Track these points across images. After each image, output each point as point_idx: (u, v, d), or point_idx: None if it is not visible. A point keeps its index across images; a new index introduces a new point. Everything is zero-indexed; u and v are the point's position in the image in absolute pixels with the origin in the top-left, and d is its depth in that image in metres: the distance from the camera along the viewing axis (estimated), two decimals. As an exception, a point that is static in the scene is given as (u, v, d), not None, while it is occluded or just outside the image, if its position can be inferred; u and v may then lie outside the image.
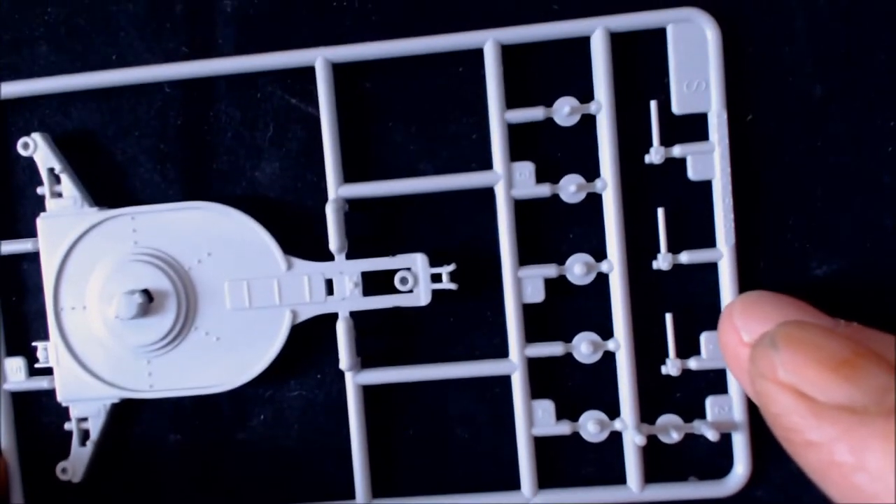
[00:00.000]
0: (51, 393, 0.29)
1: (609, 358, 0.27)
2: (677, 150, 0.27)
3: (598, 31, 0.26)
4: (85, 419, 0.29)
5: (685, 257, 0.27)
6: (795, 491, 0.27)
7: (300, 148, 0.28)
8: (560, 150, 0.27)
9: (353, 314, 0.28)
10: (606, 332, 0.27)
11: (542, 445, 0.28)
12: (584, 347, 0.27)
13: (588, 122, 0.27)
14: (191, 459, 0.29)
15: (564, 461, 0.28)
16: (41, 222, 0.28)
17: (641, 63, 0.27)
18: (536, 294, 0.27)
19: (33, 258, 0.28)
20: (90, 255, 0.28)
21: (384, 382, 0.28)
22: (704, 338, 0.27)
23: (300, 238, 0.28)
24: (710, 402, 0.27)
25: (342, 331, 0.27)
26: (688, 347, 0.27)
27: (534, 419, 0.28)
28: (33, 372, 0.29)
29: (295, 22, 0.28)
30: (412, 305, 0.27)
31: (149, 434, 0.29)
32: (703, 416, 0.27)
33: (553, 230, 0.28)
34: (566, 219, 0.28)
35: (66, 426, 0.29)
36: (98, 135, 0.28)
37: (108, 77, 0.28)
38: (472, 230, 0.28)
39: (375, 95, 0.28)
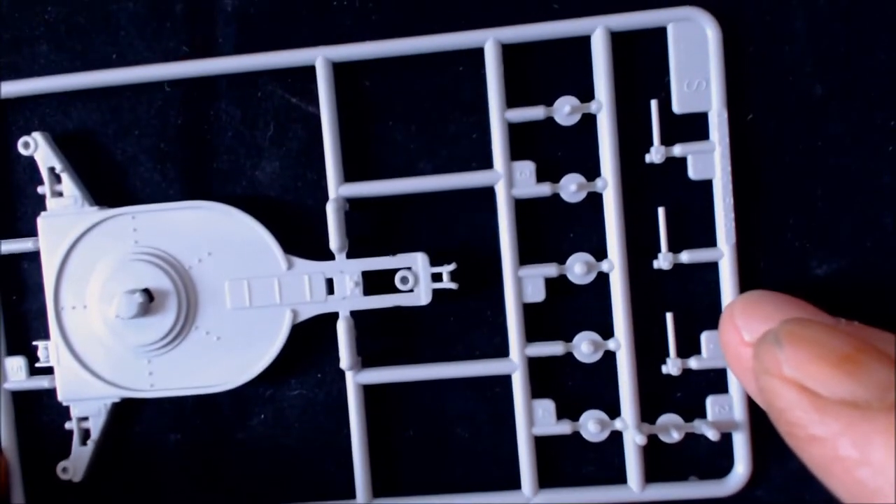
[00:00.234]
0: (51, 392, 0.29)
1: (609, 357, 0.27)
2: (678, 150, 0.27)
3: (598, 31, 0.26)
4: (86, 418, 0.29)
5: (686, 257, 0.27)
6: (796, 490, 0.27)
7: (300, 147, 0.28)
8: (560, 150, 0.27)
9: (354, 313, 0.28)
10: (607, 332, 0.27)
11: (543, 445, 0.28)
12: (585, 347, 0.27)
13: (588, 121, 0.27)
14: (191, 459, 0.29)
15: (565, 461, 0.28)
16: (42, 221, 0.28)
17: (642, 62, 0.27)
18: (537, 293, 0.27)
19: (34, 257, 0.28)
20: (91, 254, 0.28)
21: (384, 382, 0.28)
22: (705, 337, 0.27)
23: (301, 237, 0.28)
24: (711, 402, 0.27)
25: (343, 330, 0.27)
26: (688, 347, 0.27)
27: (534, 419, 0.28)
28: (34, 371, 0.29)
29: (295, 21, 0.28)
30: (413, 305, 0.27)
31: (149, 433, 0.29)
32: (703, 415, 0.27)
33: (553, 229, 0.28)
34: (567, 218, 0.28)
35: (67, 425, 0.29)
36: (98, 134, 0.28)
37: (108, 76, 0.28)
38: (472, 230, 0.28)
39: (375, 95, 0.28)
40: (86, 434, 0.29)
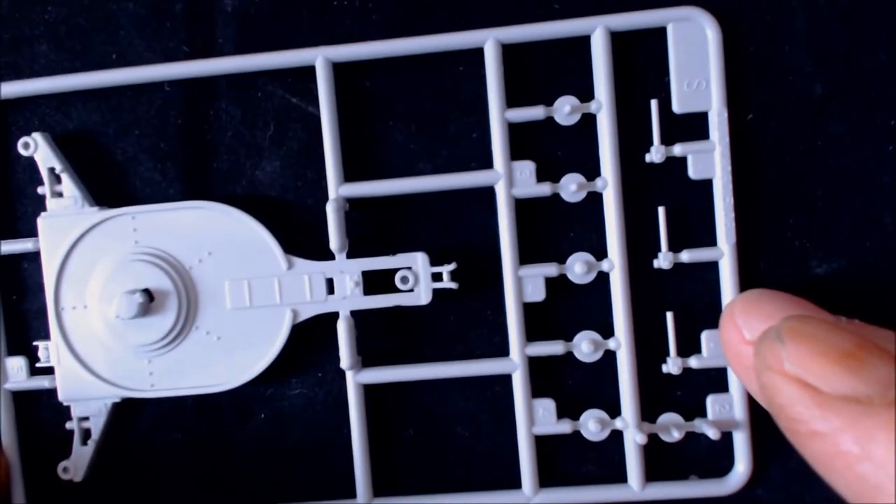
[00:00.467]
0: (52, 392, 0.29)
1: (610, 357, 0.27)
2: (678, 149, 0.27)
3: (598, 31, 0.26)
4: (86, 418, 0.29)
5: (686, 256, 0.27)
6: (796, 489, 0.28)
7: (301, 147, 0.28)
8: (560, 150, 0.27)
9: (354, 313, 0.28)
10: (607, 331, 0.27)
11: (543, 444, 0.28)
12: (585, 346, 0.27)
13: (588, 121, 0.27)
14: (192, 459, 0.29)
15: (565, 460, 0.28)
16: (42, 222, 0.28)
17: (642, 62, 0.27)
18: (537, 293, 0.27)
19: (34, 258, 0.28)
20: (91, 254, 0.28)
21: (385, 381, 0.28)
22: (705, 336, 0.27)
23: (301, 237, 0.28)
24: (711, 401, 0.27)
25: (343, 330, 0.27)
26: (689, 346, 0.27)
27: (535, 418, 0.28)
28: (34, 371, 0.29)
29: (295, 21, 0.28)
30: (413, 304, 0.27)
31: (150, 433, 0.29)
32: (704, 414, 0.27)
33: (554, 229, 0.28)
34: (567, 218, 0.28)
35: (68, 425, 0.29)
36: (98, 134, 0.28)
37: (109, 76, 0.28)
38: (472, 229, 0.28)
39: (375, 95, 0.28)
40: (86, 434, 0.29)
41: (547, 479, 0.28)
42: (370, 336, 0.28)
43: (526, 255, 0.27)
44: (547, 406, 0.28)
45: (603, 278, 0.27)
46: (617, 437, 0.28)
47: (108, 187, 0.29)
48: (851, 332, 0.20)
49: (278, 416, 0.29)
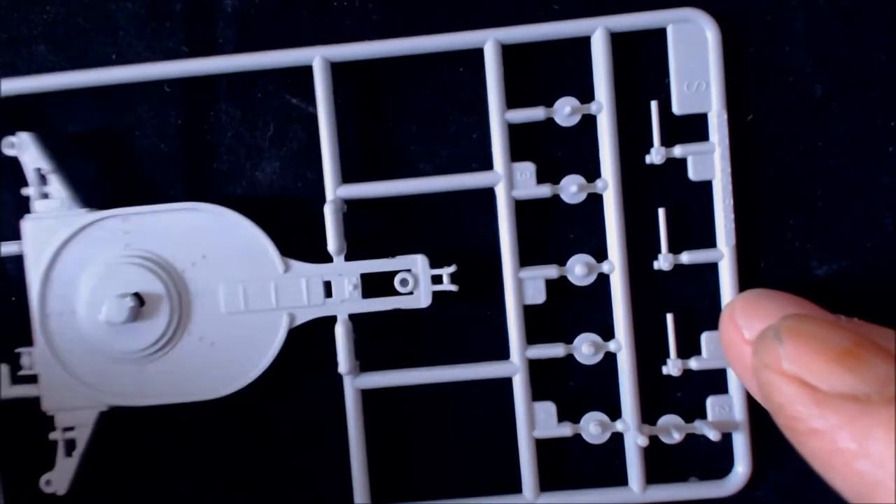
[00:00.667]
0: (35, 401, 0.27)
1: (610, 359, 0.27)
2: (678, 151, 0.27)
3: (598, 32, 0.26)
4: (71, 429, 0.27)
5: (686, 257, 0.27)
6: (796, 490, 0.28)
7: (299, 148, 0.28)
8: (561, 151, 0.27)
9: (352, 317, 0.27)
10: (607, 333, 0.27)
11: (544, 447, 0.28)
12: (586, 348, 0.27)
13: (589, 122, 0.27)
14: (183, 469, 0.28)
15: (566, 463, 0.28)
16: (26, 224, 0.27)
17: (642, 63, 0.27)
18: (537, 295, 0.27)
19: (17, 261, 0.27)
20: (79, 257, 0.27)
21: (384, 386, 0.27)
22: (705, 338, 0.27)
23: (298, 239, 0.27)
24: (711, 402, 0.27)
25: (341, 334, 0.27)
26: (689, 348, 0.27)
27: (535, 421, 0.27)
28: (16, 380, 0.28)
29: (295, 21, 0.27)
30: (412, 307, 0.27)
31: (138, 444, 0.28)
32: (704, 416, 0.27)
33: (554, 231, 0.28)
34: (567, 219, 0.28)
35: (51, 436, 0.28)
36: (97, 134, 0.28)
37: (107, 75, 0.27)
38: (472, 231, 0.28)
39: (375, 95, 0.27)
40: (71, 445, 0.28)
41: (548, 482, 0.28)
42: (369, 340, 0.28)
43: (526, 257, 0.27)
44: (547, 409, 0.27)
45: (603, 280, 0.27)
46: (617, 439, 0.27)
47: (107, 188, 0.28)
48: (850, 330, 0.21)
49: (274, 422, 0.28)
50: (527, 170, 0.27)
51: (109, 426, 0.28)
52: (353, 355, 0.27)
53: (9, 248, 0.27)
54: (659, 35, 0.27)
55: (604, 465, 0.28)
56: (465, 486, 0.28)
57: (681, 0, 0.26)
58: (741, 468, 0.27)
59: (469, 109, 0.27)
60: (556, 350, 0.27)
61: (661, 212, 0.27)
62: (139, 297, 0.27)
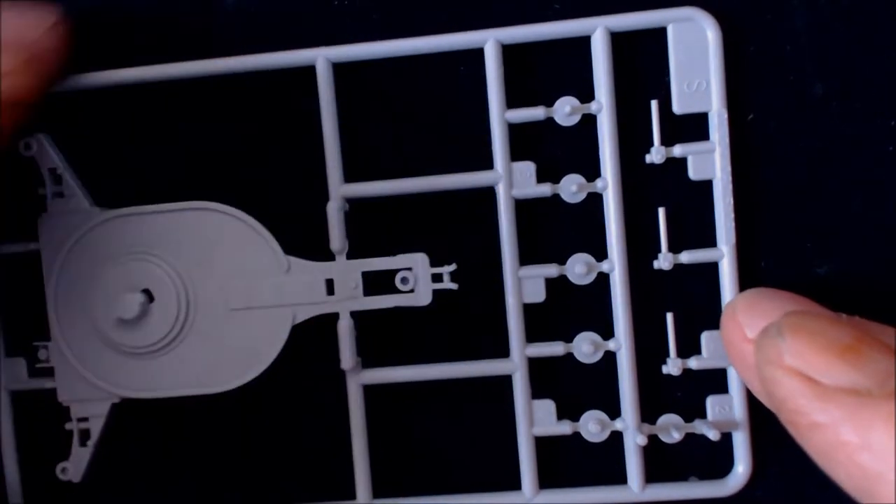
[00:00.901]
0: (51, 393, 0.28)
1: (610, 357, 0.27)
2: (678, 150, 0.27)
3: (598, 31, 0.26)
4: (85, 419, 0.28)
5: (686, 257, 0.27)
6: (796, 490, 0.28)
7: (301, 148, 0.28)
8: (561, 150, 0.27)
9: (354, 314, 0.27)
10: (607, 332, 0.27)
11: (543, 445, 0.28)
12: (585, 347, 0.27)
13: (589, 121, 0.27)
14: (191, 460, 0.29)
15: (565, 461, 0.28)
16: (42, 223, 0.28)
17: (642, 63, 0.27)
18: (537, 294, 0.27)
19: (34, 258, 0.28)
20: (91, 255, 0.28)
21: (385, 382, 0.28)
22: (705, 337, 0.27)
23: (300, 238, 0.28)
24: (711, 402, 0.27)
25: (343, 331, 0.27)
26: (688, 347, 0.27)
27: (534, 419, 0.28)
28: (33, 372, 0.29)
29: (295, 21, 0.28)
30: (413, 305, 0.27)
31: (149, 434, 0.29)
32: (703, 415, 0.27)
33: (554, 230, 0.28)
34: (567, 218, 0.28)
35: (67, 426, 0.28)
36: (99, 134, 0.28)
37: (109, 76, 0.28)
38: (472, 230, 0.28)
39: (375, 95, 0.28)
40: (85, 435, 0.28)
41: (547, 480, 0.28)
42: (370, 337, 0.28)
43: (526, 256, 0.27)
44: (547, 407, 0.28)
45: (603, 279, 0.27)
46: (617, 438, 0.28)
47: (108, 188, 0.28)
48: (851, 325, 0.21)
49: (278, 417, 0.29)
50: (527, 169, 0.27)
51: (122, 417, 0.29)
52: (355, 352, 0.27)
53: (25, 245, 0.28)
54: (659, 34, 0.27)
55: (603, 463, 0.28)
56: (464, 483, 0.28)
57: (681, 0, 0.26)
58: (741, 468, 0.27)
59: (469, 109, 0.27)
60: (555, 348, 0.27)
61: (661, 211, 0.27)
62: (149, 294, 0.28)
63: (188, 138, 0.28)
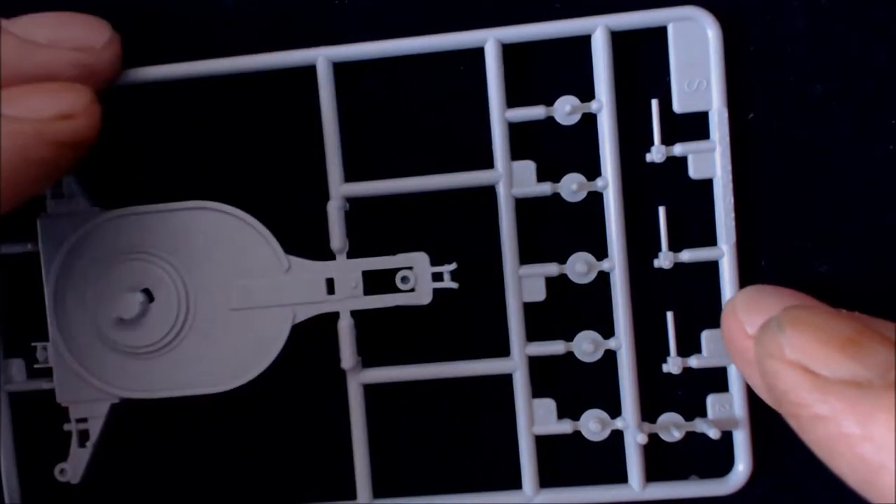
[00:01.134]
0: (49, 393, 0.28)
1: (610, 356, 0.27)
2: (678, 149, 0.27)
3: (598, 30, 0.26)
4: (84, 420, 0.28)
5: (686, 256, 0.27)
6: (796, 488, 0.28)
7: (301, 147, 0.28)
8: (561, 149, 0.27)
9: (354, 313, 0.27)
10: (607, 331, 0.27)
11: (544, 444, 0.28)
12: (585, 346, 0.27)
13: (589, 120, 0.27)
14: (191, 460, 0.29)
15: (566, 460, 0.28)
16: (41, 223, 0.28)
17: (642, 62, 0.27)
18: (537, 293, 0.27)
19: (34, 258, 0.28)
20: (91, 255, 0.28)
21: (385, 381, 0.28)
22: (705, 336, 0.27)
23: (301, 237, 0.28)
24: (711, 400, 0.27)
25: (343, 330, 0.27)
26: (689, 345, 0.27)
27: (535, 418, 0.28)
28: (32, 373, 0.29)
29: (296, 21, 0.28)
30: (413, 304, 0.27)
31: (148, 435, 0.29)
32: (704, 414, 0.27)
33: (554, 229, 0.28)
34: (567, 217, 0.28)
35: (66, 427, 0.28)
36: (99, 135, 0.28)
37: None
38: (473, 229, 0.28)
39: (376, 94, 0.28)
40: (84, 435, 0.28)
41: (547, 479, 0.28)
42: (370, 336, 0.28)
43: (526, 255, 0.27)
44: (547, 406, 0.28)
45: (603, 278, 0.27)
46: (617, 436, 0.28)
47: (108, 188, 0.28)
48: (851, 318, 0.21)
49: (278, 416, 0.29)
50: (527, 168, 0.27)
51: (121, 418, 0.29)
52: (356, 351, 0.27)
53: (24, 246, 0.28)
54: (659, 33, 0.27)
55: (603, 462, 0.28)
56: (465, 482, 0.28)
57: (681, -1, 0.26)
58: (741, 466, 0.27)
59: (469, 109, 0.27)
60: (556, 347, 0.27)
61: (662, 210, 0.27)
62: (148, 294, 0.27)
63: (188, 138, 0.28)
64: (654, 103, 0.27)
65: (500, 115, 0.27)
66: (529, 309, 0.27)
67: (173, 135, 0.28)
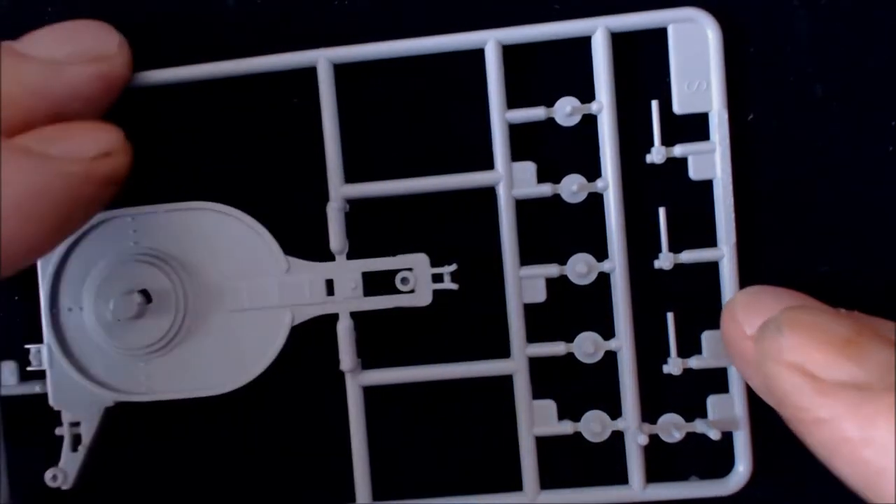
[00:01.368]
0: (41, 397, 0.28)
1: (610, 357, 0.27)
2: (678, 150, 0.27)
3: (599, 32, 0.26)
4: (77, 423, 0.28)
5: (686, 257, 0.27)
6: (796, 489, 0.28)
7: (301, 148, 0.28)
8: (561, 150, 0.27)
9: (354, 315, 0.27)
10: (608, 332, 0.27)
11: (544, 445, 0.28)
12: (586, 347, 0.27)
13: (589, 121, 0.27)
14: (187, 464, 0.29)
15: (566, 461, 0.28)
16: (37, 223, 0.27)
17: (642, 63, 0.27)
18: (538, 294, 0.27)
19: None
20: (88, 255, 0.27)
21: (385, 383, 0.28)
22: (705, 337, 0.27)
23: (300, 238, 0.27)
24: (712, 401, 0.27)
25: (343, 331, 0.27)
26: (689, 347, 0.27)
27: (535, 419, 0.27)
28: (25, 376, 0.28)
29: (296, 22, 0.27)
30: (413, 306, 0.27)
31: (144, 438, 0.29)
32: (704, 414, 0.27)
33: (554, 230, 0.28)
34: (567, 218, 0.28)
35: (58, 431, 0.28)
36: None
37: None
38: (473, 230, 0.28)
39: (376, 95, 0.28)
40: (77, 440, 0.28)
41: (548, 480, 0.28)
42: (370, 338, 0.28)
43: (526, 256, 0.27)
44: (548, 407, 0.27)
45: (604, 279, 0.27)
46: (618, 437, 0.27)
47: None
48: (850, 319, 0.21)
49: (277, 419, 0.28)
50: (527, 169, 0.27)
51: (115, 422, 0.28)
52: (355, 353, 0.27)
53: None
54: (659, 34, 0.27)
55: (604, 463, 0.28)
56: (465, 484, 0.28)
57: (681, 0, 0.26)
58: (742, 467, 0.27)
59: (469, 110, 0.27)
60: (556, 348, 0.27)
61: (662, 211, 0.27)
62: (146, 294, 0.27)
63: (188, 139, 0.28)
64: (655, 104, 0.27)
65: (500, 116, 0.27)
66: (530, 310, 0.27)
67: (173, 136, 0.28)
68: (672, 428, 0.27)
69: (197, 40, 0.28)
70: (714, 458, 0.28)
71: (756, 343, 0.22)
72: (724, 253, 0.27)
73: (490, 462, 0.28)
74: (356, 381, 0.27)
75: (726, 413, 0.27)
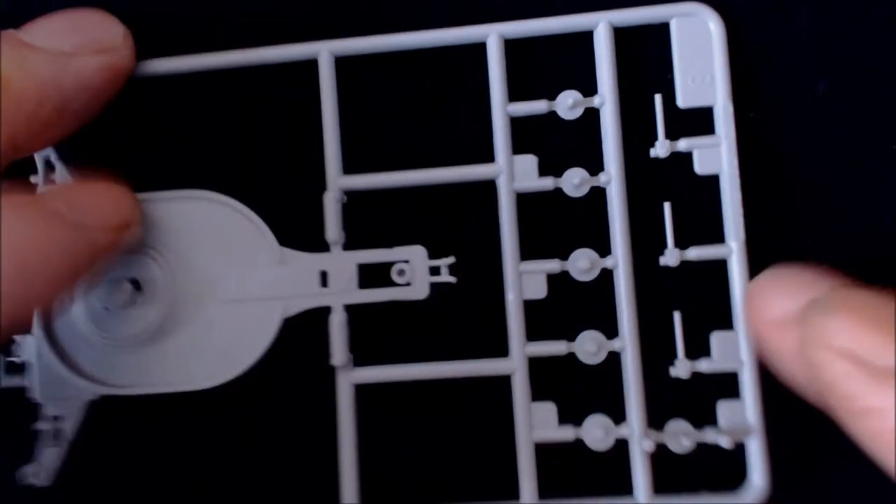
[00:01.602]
0: (19, 391, 0.27)
1: (614, 358, 0.26)
2: (683, 144, 0.26)
3: (601, 26, 0.26)
4: (58, 418, 0.27)
5: (693, 253, 0.26)
6: (814, 501, 0.26)
7: (299, 139, 0.28)
8: (563, 144, 0.27)
9: (349, 309, 0.26)
10: (611, 331, 0.26)
11: (543, 452, 0.26)
12: (588, 347, 0.26)
13: (592, 115, 0.27)
14: (170, 459, 0.28)
15: (567, 469, 0.26)
16: (31, 210, 0.27)
17: (645, 56, 0.27)
18: (538, 290, 0.26)
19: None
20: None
21: (377, 381, 0.27)
22: (715, 338, 0.26)
23: (295, 229, 0.27)
24: (722, 407, 0.26)
25: (335, 324, 0.26)
26: (697, 348, 0.26)
27: (534, 423, 0.26)
28: (9, 368, 0.27)
29: (297, 15, 0.28)
30: (409, 299, 0.26)
31: (128, 433, 0.28)
32: (714, 420, 0.26)
33: (556, 224, 0.27)
34: (569, 213, 0.27)
35: (38, 426, 0.27)
36: (96, 127, 0.28)
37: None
38: (472, 224, 0.27)
39: (377, 88, 0.28)
40: (57, 435, 0.27)
41: (547, 489, 0.26)
42: (363, 334, 0.27)
43: (527, 251, 0.26)
44: (548, 410, 0.26)
45: (607, 276, 0.26)
46: (622, 445, 0.26)
47: (102, 177, 0.28)
48: None
49: (265, 415, 0.27)
50: (529, 162, 0.27)
51: (99, 414, 0.27)
52: (348, 347, 0.26)
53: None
54: (662, 28, 0.27)
55: (608, 472, 0.26)
56: (459, 491, 0.27)
57: (683, -5, 0.26)
58: (756, 478, 0.25)
59: (471, 103, 0.27)
60: (557, 347, 0.26)
61: (667, 206, 0.26)
62: (136, 283, 0.27)
63: (187, 129, 0.28)
64: (658, 98, 0.26)
65: (501, 110, 0.27)
66: (530, 307, 0.26)
67: (170, 126, 0.28)
68: (680, 435, 0.25)
69: (198, 31, 0.28)
70: (726, 467, 0.26)
71: (801, 327, 0.21)
72: (733, 249, 0.26)
73: (486, 468, 0.27)
74: (347, 379, 0.26)
75: (738, 419, 0.26)
